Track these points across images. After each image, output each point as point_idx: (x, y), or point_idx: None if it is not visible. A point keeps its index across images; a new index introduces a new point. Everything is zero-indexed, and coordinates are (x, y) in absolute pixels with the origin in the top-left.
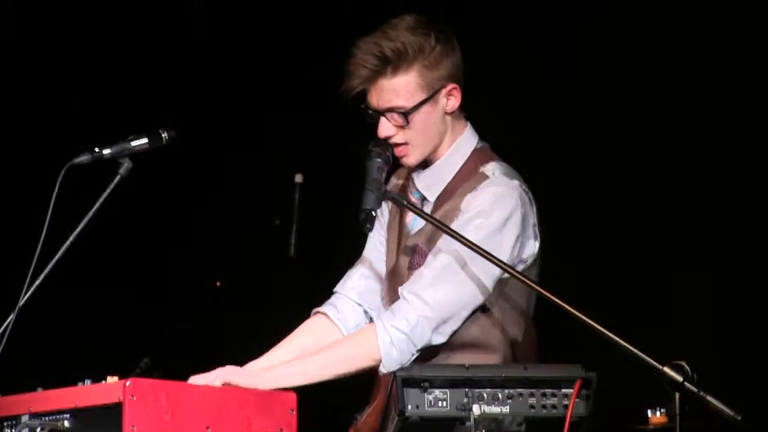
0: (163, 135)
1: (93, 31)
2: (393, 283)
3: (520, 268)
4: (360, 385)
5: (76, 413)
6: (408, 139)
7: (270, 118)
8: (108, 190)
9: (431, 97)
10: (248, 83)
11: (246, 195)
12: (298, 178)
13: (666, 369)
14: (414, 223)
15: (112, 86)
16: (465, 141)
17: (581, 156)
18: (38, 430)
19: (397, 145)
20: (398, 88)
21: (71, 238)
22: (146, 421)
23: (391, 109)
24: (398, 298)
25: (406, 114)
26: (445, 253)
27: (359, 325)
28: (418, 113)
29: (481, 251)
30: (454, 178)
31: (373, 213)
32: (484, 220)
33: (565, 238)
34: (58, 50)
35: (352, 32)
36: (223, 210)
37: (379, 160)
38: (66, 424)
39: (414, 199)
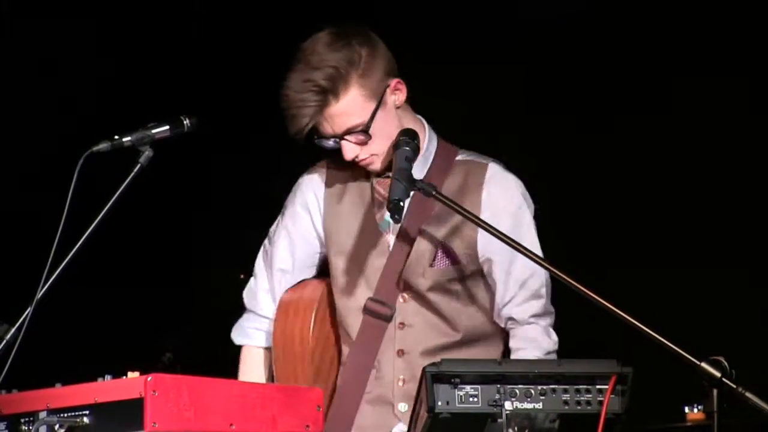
0: (184, 122)
1: (96, 25)
2: (388, 279)
3: None
4: None
5: (95, 409)
6: (372, 151)
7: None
8: (128, 180)
9: (380, 101)
10: (273, 74)
11: (269, 188)
12: None
13: (703, 364)
14: (388, 218)
15: (122, 79)
16: (431, 132)
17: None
18: (56, 426)
19: (362, 159)
20: (348, 110)
21: (90, 230)
22: (168, 417)
23: (349, 131)
24: (401, 292)
25: (365, 130)
26: (533, 272)
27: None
28: (376, 122)
29: (535, 257)
30: (429, 168)
31: (402, 203)
32: (529, 213)
33: (601, 231)
34: (66, 44)
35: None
36: (245, 203)
37: (407, 149)
38: (85, 420)
39: (385, 192)
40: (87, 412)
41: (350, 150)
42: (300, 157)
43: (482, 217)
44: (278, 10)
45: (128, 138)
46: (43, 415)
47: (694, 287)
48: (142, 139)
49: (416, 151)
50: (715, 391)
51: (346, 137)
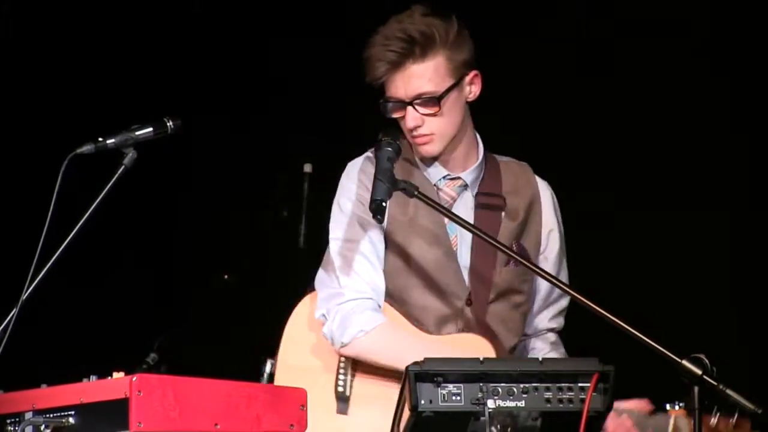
0: (168, 123)
1: (93, 24)
2: (477, 278)
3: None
4: None
5: (81, 409)
6: (434, 129)
7: (278, 108)
8: (112, 181)
9: (458, 83)
10: (256, 72)
11: (254, 186)
12: (307, 167)
13: (684, 362)
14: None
15: (117, 78)
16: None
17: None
18: (42, 426)
19: (422, 135)
20: (428, 73)
21: (75, 231)
22: (153, 417)
23: (420, 96)
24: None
25: (439, 99)
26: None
27: None
28: (448, 99)
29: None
30: (485, 171)
31: (384, 204)
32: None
33: (584, 229)
34: (60, 43)
35: (354, 30)
36: (231, 202)
37: (389, 149)
38: (71, 420)
39: (453, 193)
40: (72, 412)
41: (413, 118)
42: (296, 159)
43: (543, 225)
44: (278, 10)
45: (112, 140)
46: (28, 415)
47: (676, 285)
48: (126, 141)
49: (398, 151)
50: (696, 389)
51: (415, 102)
